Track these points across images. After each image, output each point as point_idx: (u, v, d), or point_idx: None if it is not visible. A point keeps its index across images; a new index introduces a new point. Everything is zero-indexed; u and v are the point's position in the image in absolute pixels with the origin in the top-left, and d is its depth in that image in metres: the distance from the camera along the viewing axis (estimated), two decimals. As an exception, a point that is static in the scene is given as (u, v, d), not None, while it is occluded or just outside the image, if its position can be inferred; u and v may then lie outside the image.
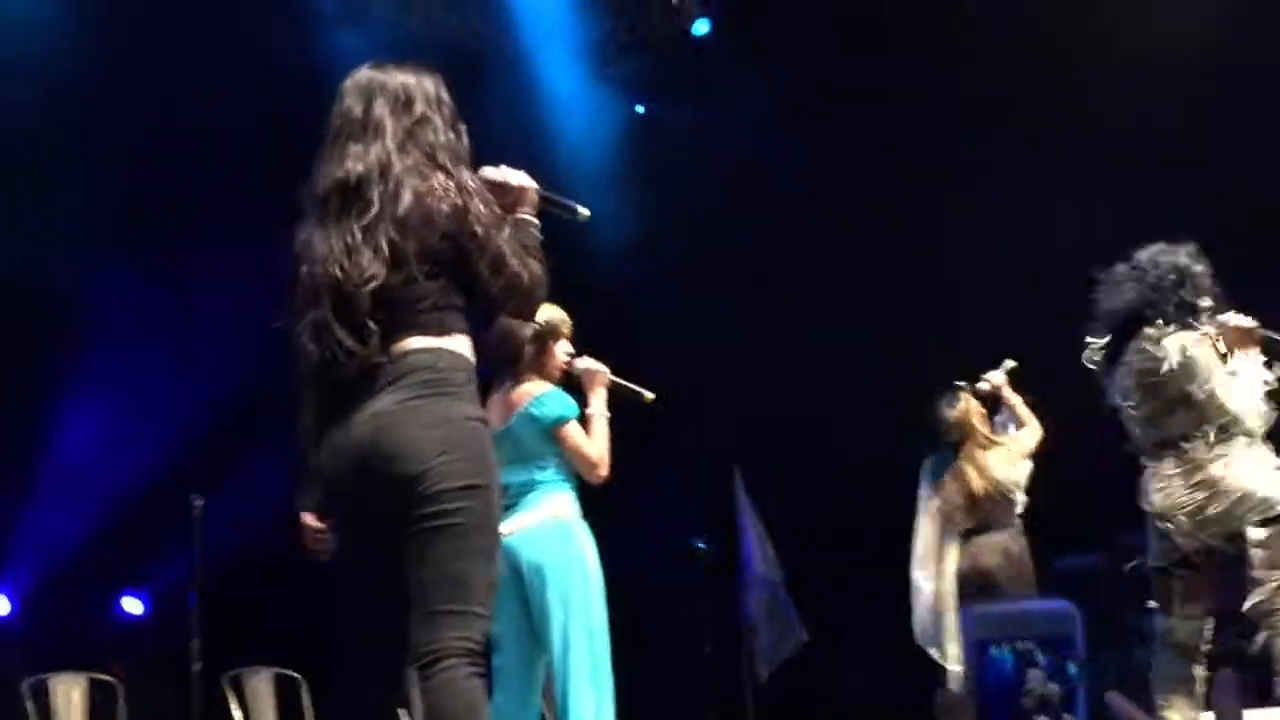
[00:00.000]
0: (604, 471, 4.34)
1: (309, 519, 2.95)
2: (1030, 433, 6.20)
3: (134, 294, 6.92)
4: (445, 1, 8.22)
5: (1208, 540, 4.47)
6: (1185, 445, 4.50)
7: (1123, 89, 7.49)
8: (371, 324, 2.76)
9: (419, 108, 2.94)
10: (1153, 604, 4.66)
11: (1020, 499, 6.13)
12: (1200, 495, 4.47)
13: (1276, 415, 4.59)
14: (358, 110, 2.92)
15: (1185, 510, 4.49)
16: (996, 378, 6.28)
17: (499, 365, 4.39)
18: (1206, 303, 4.63)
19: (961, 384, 6.25)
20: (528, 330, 4.36)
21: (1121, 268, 4.72)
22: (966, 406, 6.22)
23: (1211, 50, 7.21)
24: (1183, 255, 4.66)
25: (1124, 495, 4.82)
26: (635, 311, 8.28)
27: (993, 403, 6.29)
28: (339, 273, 2.78)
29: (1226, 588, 4.51)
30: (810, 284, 8.42)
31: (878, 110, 8.28)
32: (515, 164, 3.14)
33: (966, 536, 6.10)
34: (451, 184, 2.86)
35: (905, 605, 6.20)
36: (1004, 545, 6.05)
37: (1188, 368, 4.47)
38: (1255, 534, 4.39)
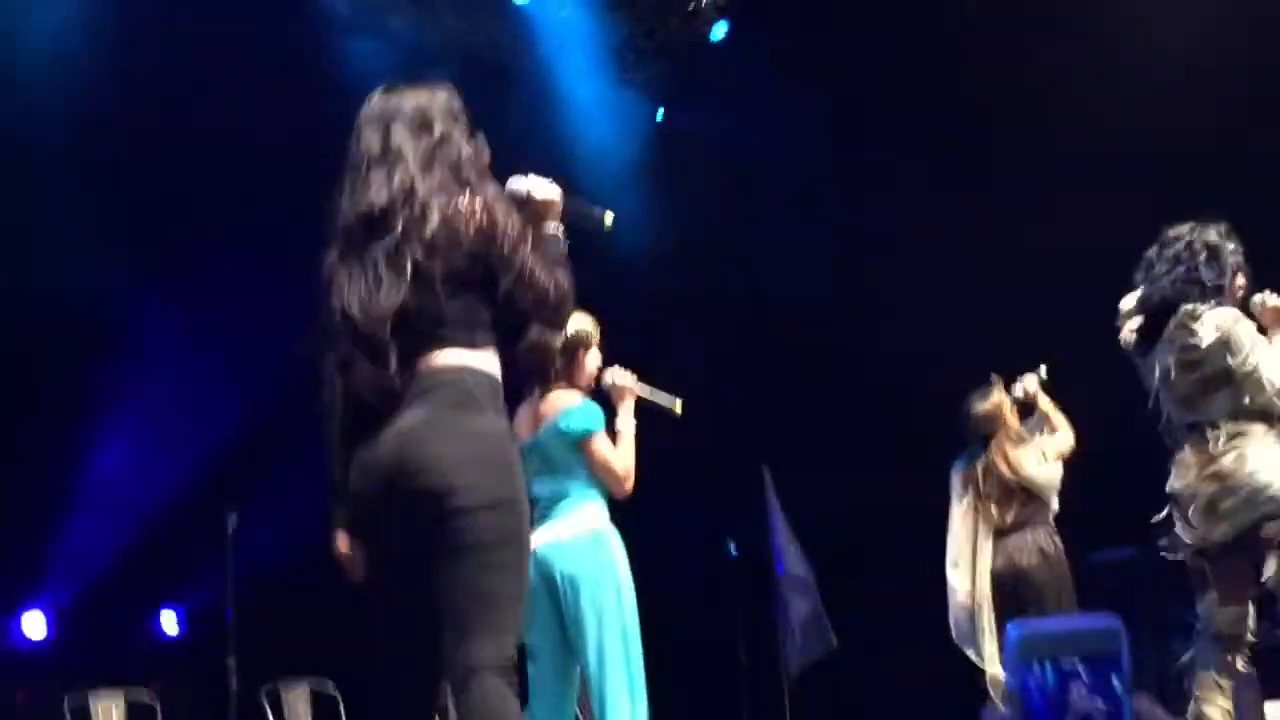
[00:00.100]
0: (629, 484, 4.34)
1: (340, 545, 2.96)
2: (1064, 436, 6.17)
3: (167, 313, 6.96)
4: (462, 10, 8.24)
5: (1218, 538, 4.39)
6: (1209, 433, 4.42)
7: (1142, 89, 7.46)
8: (395, 349, 2.77)
9: (438, 127, 2.95)
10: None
11: (1053, 501, 6.09)
12: (1212, 488, 4.39)
13: None
14: (376, 141, 2.92)
15: (1196, 502, 4.41)
16: (1031, 382, 6.25)
17: (528, 376, 4.39)
18: (1240, 281, 4.55)
19: (994, 377, 6.21)
20: (557, 341, 4.36)
21: (1152, 249, 4.66)
22: (999, 399, 6.19)
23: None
24: (1213, 233, 4.59)
25: (1159, 486, 4.77)
26: (660, 316, 8.27)
27: (1026, 407, 6.25)
28: (359, 306, 2.79)
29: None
30: (835, 285, 8.40)
31: (898, 111, 8.26)
32: (536, 172, 3.13)
33: (1001, 535, 6.07)
34: (477, 201, 2.87)
35: (940, 606, 6.17)
36: (1040, 544, 6.00)
37: (1227, 343, 4.38)
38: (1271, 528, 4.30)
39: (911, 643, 7.21)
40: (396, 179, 2.87)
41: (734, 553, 7.82)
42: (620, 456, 4.33)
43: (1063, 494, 6.12)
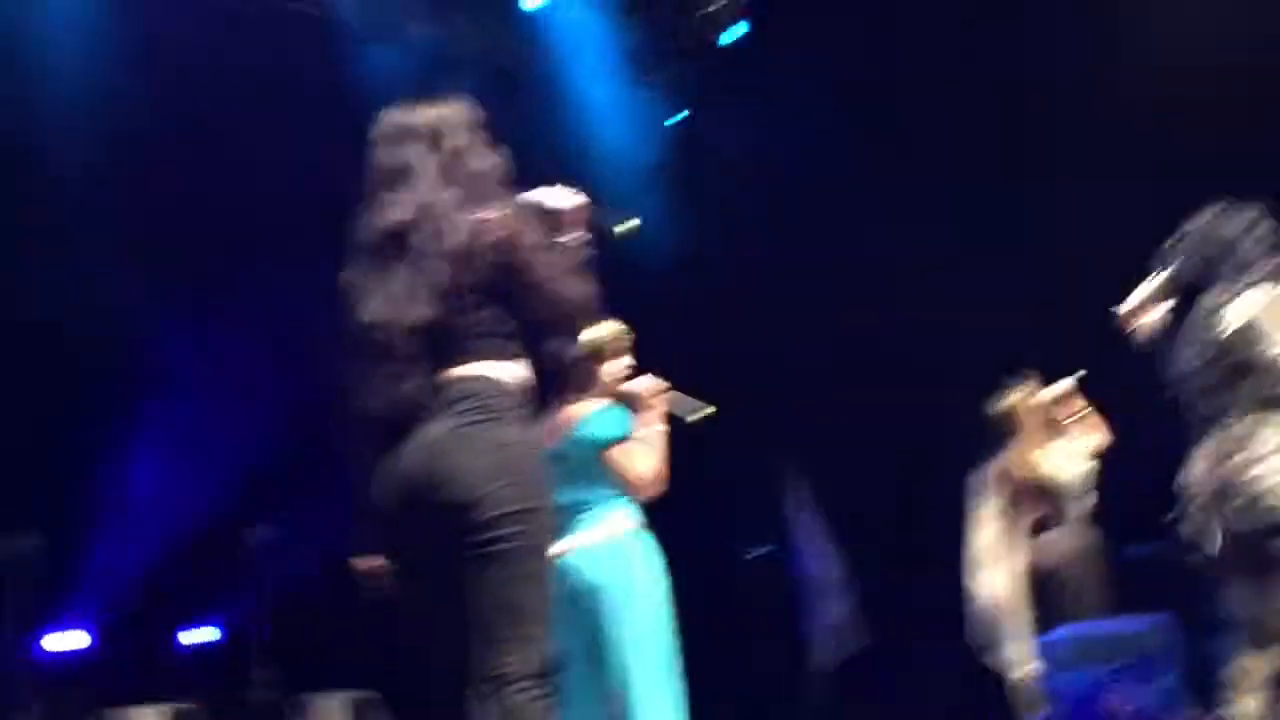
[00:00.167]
0: (654, 490, 4.33)
1: (362, 563, 2.97)
2: (1099, 430, 6.13)
3: (197, 332, 7.00)
4: (477, 19, 8.26)
5: (1220, 539, 4.31)
6: (1226, 425, 4.32)
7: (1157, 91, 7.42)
8: (421, 364, 2.79)
9: (453, 140, 2.97)
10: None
11: (1085, 499, 6.05)
12: (1213, 485, 4.30)
13: None
14: (391, 158, 2.95)
15: (1199, 500, 4.31)
16: (1065, 385, 6.22)
17: (554, 383, 4.40)
18: (1266, 266, 4.42)
19: (1024, 374, 6.19)
20: (580, 349, 4.36)
21: (1173, 238, 4.58)
22: (1016, 399, 6.17)
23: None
24: (1235, 218, 4.50)
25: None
26: (682, 321, 8.27)
27: (1061, 411, 6.21)
28: (383, 321, 2.81)
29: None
30: (859, 287, 8.38)
31: (919, 112, 8.24)
32: (556, 179, 3.15)
33: (1032, 534, 6.03)
34: (498, 214, 2.88)
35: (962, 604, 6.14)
36: (1073, 541, 5.97)
37: (1251, 331, 4.27)
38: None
39: (942, 645, 7.19)
40: (414, 195, 2.89)
41: (762, 556, 7.81)
42: (644, 461, 4.33)
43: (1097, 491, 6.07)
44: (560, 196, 3.11)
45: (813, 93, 8.42)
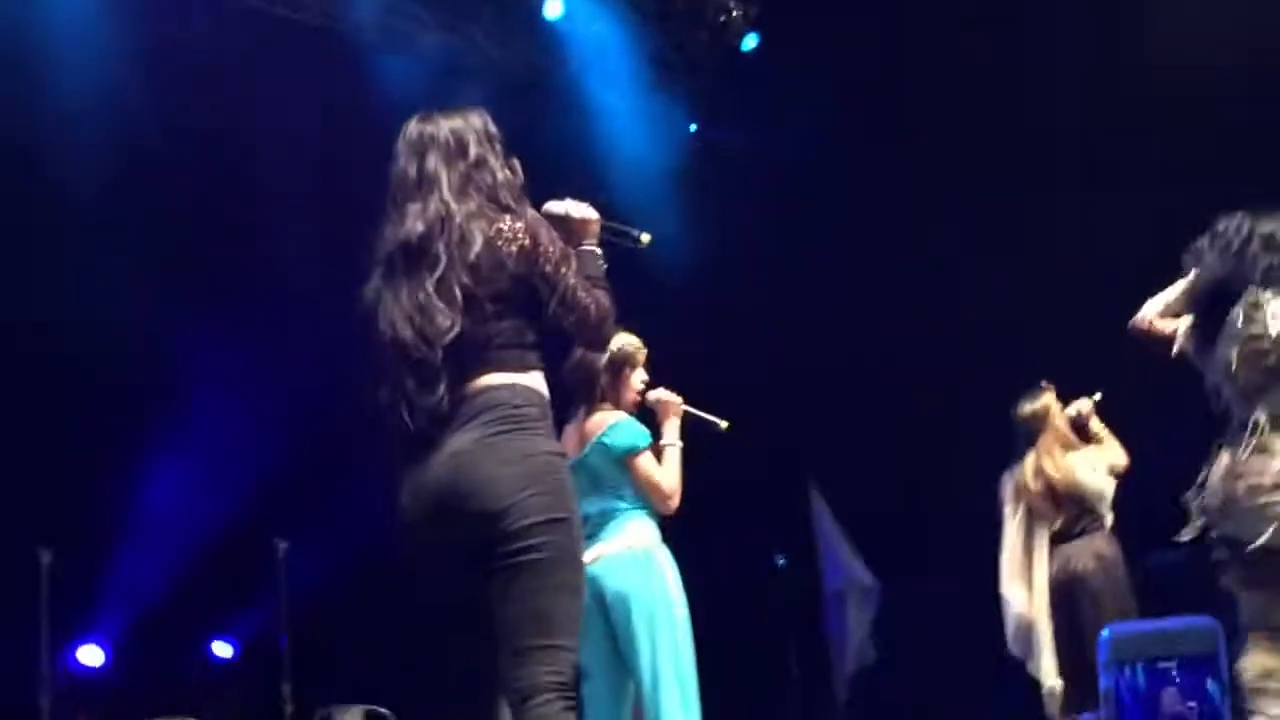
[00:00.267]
0: (675, 503, 4.36)
1: None
2: (1116, 453, 6.10)
3: (217, 344, 7.02)
4: (494, 29, 8.27)
5: (1223, 546, 4.26)
6: (1256, 427, 4.26)
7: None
8: (445, 374, 2.78)
9: (473, 151, 2.97)
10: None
11: (1107, 514, 6.00)
12: (1225, 489, 4.24)
13: None
14: (412, 168, 2.95)
15: (1213, 504, 4.25)
16: (1085, 406, 6.19)
17: (574, 395, 4.41)
18: None
19: (1044, 383, 6.16)
20: (601, 360, 4.37)
21: (1202, 241, 4.51)
22: (1048, 401, 6.14)
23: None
24: (1266, 221, 4.44)
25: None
26: (702, 332, 8.26)
27: (1079, 429, 6.18)
28: (413, 331, 2.80)
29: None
30: (878, 295, 8.36)
31: (934, 119, 8.23)
32: (570, 191, 3.15)
33: (1056, 541, 6.00)
34: (519, 224, 2.88)
35: (994, 613, 6.10)
36: (1097, 549, 5.92)
37: None
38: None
39: (966, 651, 7.16)
40: (433, 206, 2.89)
41: (783, 566, 7.79)
42: (666, 474, 4.35)
43: (1117, 498, 6.04)
44: (576, 207, 3.11)
45: (826, 101, 8.42)
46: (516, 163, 3.05)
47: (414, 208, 2.90)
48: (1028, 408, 6.13)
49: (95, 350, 6.86)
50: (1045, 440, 6.09)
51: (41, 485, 6.49)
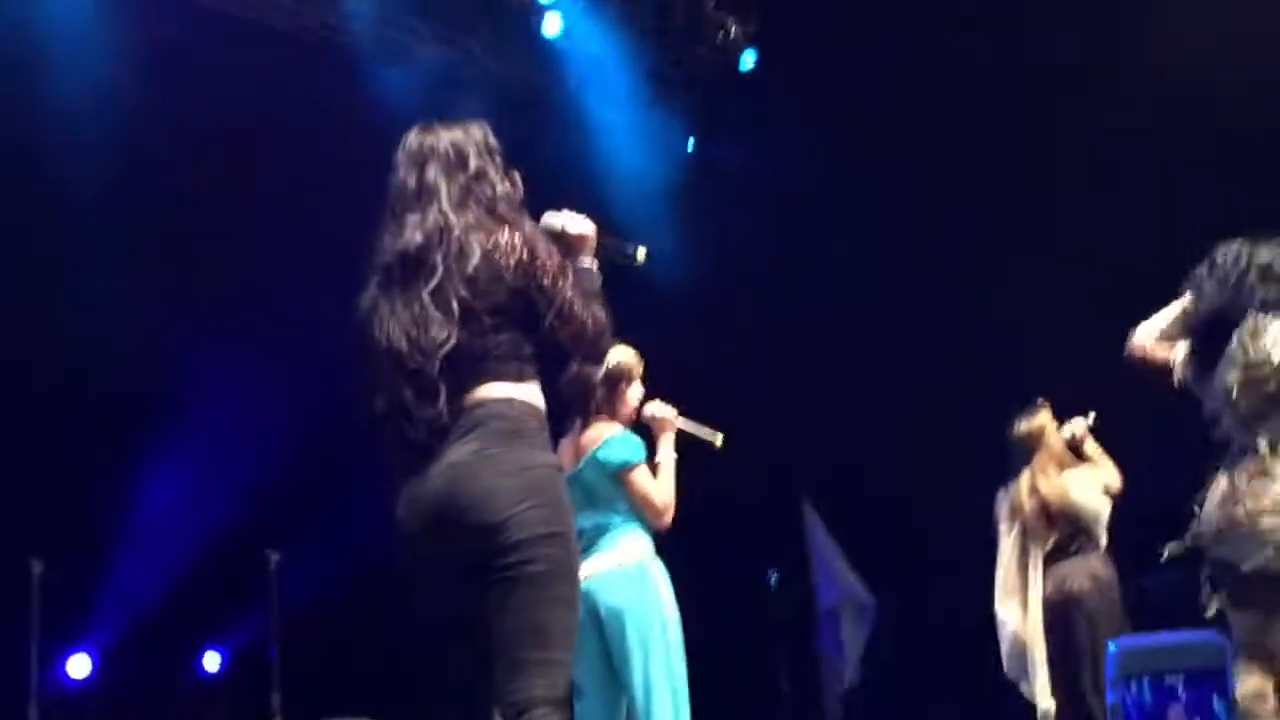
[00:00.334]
0: (669, 518, 4.37)
1: None
2: (1111, 473, 6.10)
3: (210, 355, 7.01)
4: (492, 45, 8.29)
5: (1216, 568, 4.25)
6: (1256, 454, 4.27)
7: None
8: (442, 387, 2.78)
9: (473, 163, 2.97)
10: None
11: (1102, 535, 6.00)
12: (1221, 518, 4.24)
13: None
14: (412, 179, 2.95)
15: (1209, 528, 4.25)
16: (1079, 426, 6.19)
17: (570, 409, 4.41)
18: None
19: (1040, 401, 6.17)
20: (597, 374, 4.37)
21: (1200, 269, 4.53)
22: (1044, 420, 6.14)
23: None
24: (1265, 251, 4.45)
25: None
26: (698, 348, 8.27)
27: (1073, 450, 6.18)
28: (408, 343, 2.80)
29: None
30: (874, 312, 8.38)
31: (930, 137, 8.25)
32: (568, 206, 3.15)
33: (1050, 560, 5.99)
34: (516, 237, 2.88)
35: (989, 631, 6.09)
36: (1091, 569, 5.92)
37: None
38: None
39: (959, 670, 7.15)
40: (431, 218, 2.89)
41: (775, 583, 7.78)
42: (660, 489, 4.35)
43: (1111, 519, 6.04)
44: (573, 221, 3.11)
45: (824, 118, 8.44)
46: (516, 176, 3.05)
47: (413, 218, 2.90)
48: (1023, 426, 6.14)
49: (89, 361, 6.84)
50: (1040, 459, 6.09)
51: (34, 495, 6.47)
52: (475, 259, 2.83)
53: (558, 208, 3.14)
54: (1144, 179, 7.56)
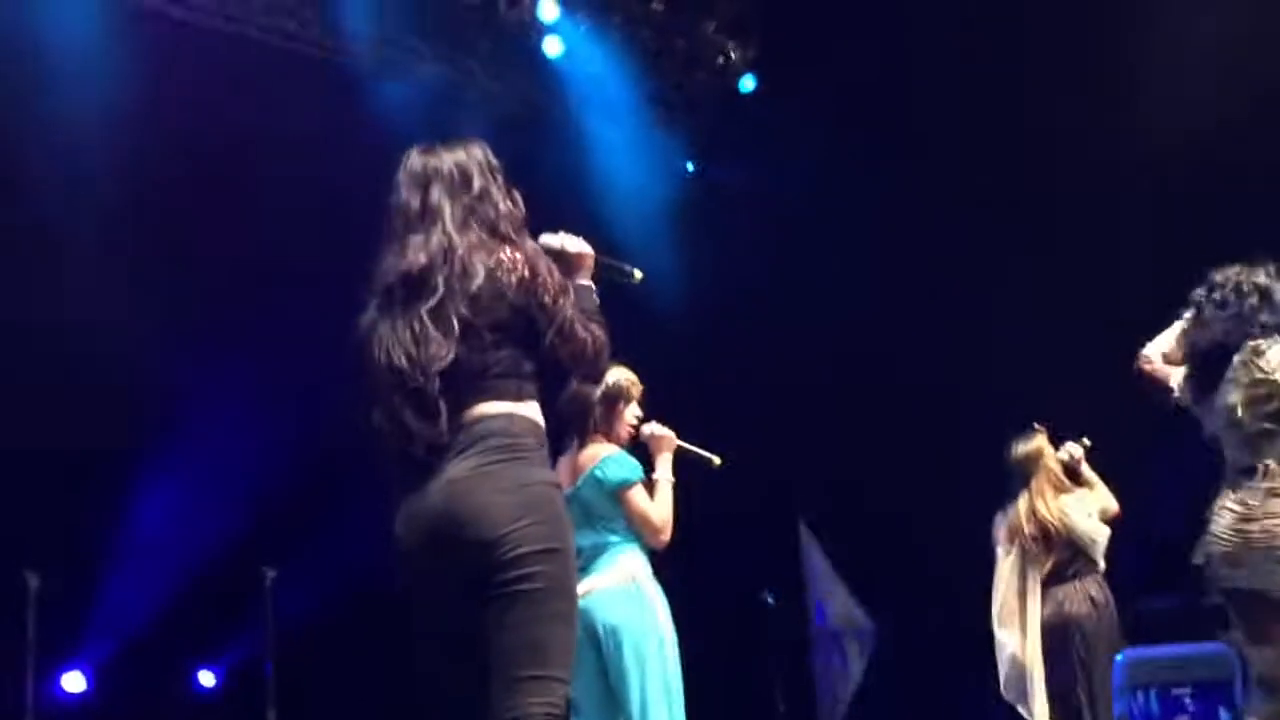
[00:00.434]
0: (666, 537, 4.37)
1: None
2: (1107, 498, 6.12)
3: (206, 369, 7.02)
4: (491, 64, 8.33)
5: (1240, 584, 4.24)
6: (1261, 475, 4.27)
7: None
8: (442, 404, 2.79)
9: (476, 184, 2.98)
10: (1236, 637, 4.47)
11: (1099, 558, 6.00)
12: (1239, 536, 4.25)
13: None
14: (415, 200, 2.96)
15: (1222, 548, 4.25)
16: (1076, 449, 6.21)
17: (567, 428, 4.42)
18: None
19: (1036, 425, 6.18)
20: (596, 393, 4.39)
21: (1198, 293, 4.54)
22: (1041, 444, 6.16)
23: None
24: (1262, 275, 4.46)
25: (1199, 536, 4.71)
26: (696, 369, 8.28)
27: (1069, 473, 6.19)
28: (407, 361, 2.81)
29: None
30: (871, 334, 8.39)
31: (929, 160, 8.28)
32: (566, 228, 3.18)
33: (1048, 583, 5.99)
34: (518, 255, 2.90)
35: (988, 654, 6.09)
36: (1089, 592, 5.92)
37: None
38: None
39: (957, 692, 7.15)
40: (435, 239, 2.90)
41: (772, 603, 7.78)
42: (658, 508, 4.36)
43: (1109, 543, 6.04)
44: (570, 241, 3.14)
45: (823, 142, 8.48)
46: (518, 195, 3.07)
47: (416, 240, 2.91)
48: (1020, 449, 6.15)
49: (87, 376, 6.84)
50: (1037, 482, 6.10)
51: (30, 509, 6.46)
52: (479, 279, 2.85)
53: (555, 229, 3.17)
54: (1145, 205, 7.59)
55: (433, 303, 2.84)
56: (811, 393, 8.50)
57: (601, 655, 4.22)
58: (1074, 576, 5.96)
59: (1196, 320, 4.49)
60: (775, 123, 8.69)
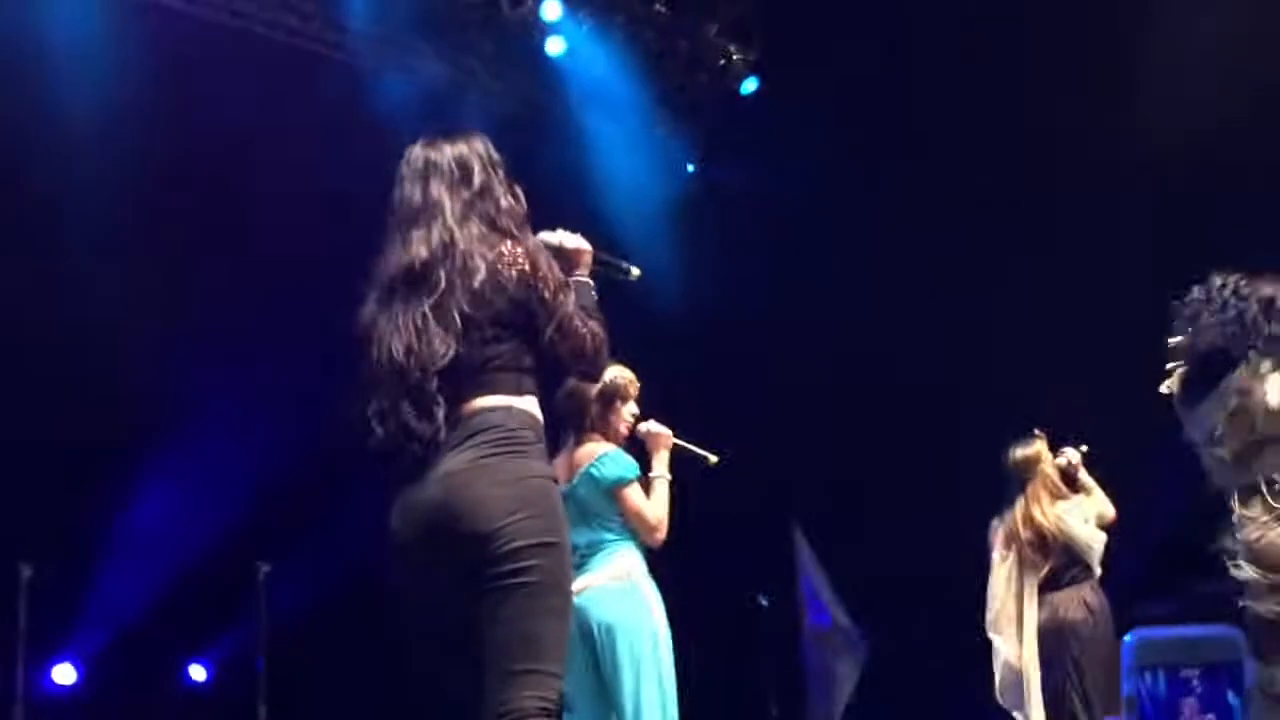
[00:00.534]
0: (661, 535, 4.38)
1: None
2: (1104, 504, 6.11)
3: (203, 363, 7.01)
4: (493, 63, 8.33)
5: (1264, 612, 4.24)
6: (1268, 491, 4.26)
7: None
8: (440, 401, 2.78)
9: (477, 178, 2.98)
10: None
11: (1095, 565, 5.99)
12: (1271, 554, 4.24)
13: None
14: (416, 194, 2.95)
15: (1265, 562, 4.25)
16: (1074, 455, 6.20)
17: (564, 424, 4.42)
18: None
19: (1037, 432, 6.17)
20: (594, 390, 4.39)
21: (1198, 296, 4.51)
22: (1040, 448, 6.15)
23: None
24: (1266, 286, 4.44)
25: (1195, 543, 4.70)
26: (694, 369, 8.28)
27: (1067, 479, 6.19)
28: (409, 356, 2.80)
29: None
30: (870, 337, 8.39)
31: (930, 163, 8.29)
32: (566, 227, 3.18)
33: (1044, 589, 5.98)
34: (519, 250, 2.90)
35: (983, 662, 6.07)
36: (1084, 597, 5.92)
37: None
38: None
39: (951, 698, 7.14)
40: (436, 233, 2.89)
41: (765, 604, 7.78)
42: (654, 506, 4.36)
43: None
44: (569, 238, 3.14)
45: (824, 145, 8.48)
46: (519, 191, 3.06)
47: (418, 233, 2.91)
48: (1019, 454, 6.14)
49: (83, 369, 6.84)
50: (1034, 488, 6.09)
51: (24, 500, 6.46)
52: (481, 274, 2.84)
53: (555, 228, 3.17)
54: (1145, 205, 7.59)
55: (434, 299, 2.83)
56: (810, 393, 8.50)
57: (595, 652, 4.22)
58: (1070, 582, 5.96)
59: (1193, 324, 4.47)
60: (776, 124, 8.70)
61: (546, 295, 2.88)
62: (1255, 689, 4.32)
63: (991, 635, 6.04)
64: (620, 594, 4.27)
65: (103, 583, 7.21)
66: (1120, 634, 6.03)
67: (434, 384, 2.78)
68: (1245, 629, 4.35)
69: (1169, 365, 4.52)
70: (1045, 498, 6.04)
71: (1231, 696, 5.43)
